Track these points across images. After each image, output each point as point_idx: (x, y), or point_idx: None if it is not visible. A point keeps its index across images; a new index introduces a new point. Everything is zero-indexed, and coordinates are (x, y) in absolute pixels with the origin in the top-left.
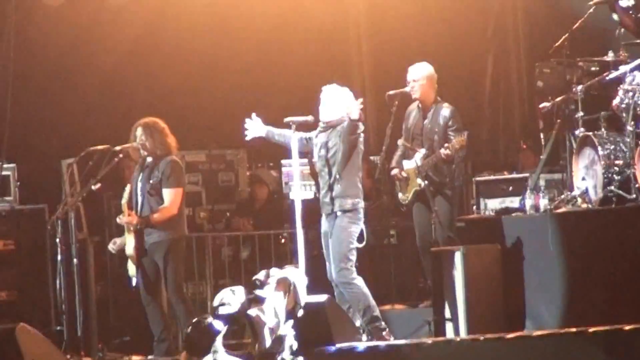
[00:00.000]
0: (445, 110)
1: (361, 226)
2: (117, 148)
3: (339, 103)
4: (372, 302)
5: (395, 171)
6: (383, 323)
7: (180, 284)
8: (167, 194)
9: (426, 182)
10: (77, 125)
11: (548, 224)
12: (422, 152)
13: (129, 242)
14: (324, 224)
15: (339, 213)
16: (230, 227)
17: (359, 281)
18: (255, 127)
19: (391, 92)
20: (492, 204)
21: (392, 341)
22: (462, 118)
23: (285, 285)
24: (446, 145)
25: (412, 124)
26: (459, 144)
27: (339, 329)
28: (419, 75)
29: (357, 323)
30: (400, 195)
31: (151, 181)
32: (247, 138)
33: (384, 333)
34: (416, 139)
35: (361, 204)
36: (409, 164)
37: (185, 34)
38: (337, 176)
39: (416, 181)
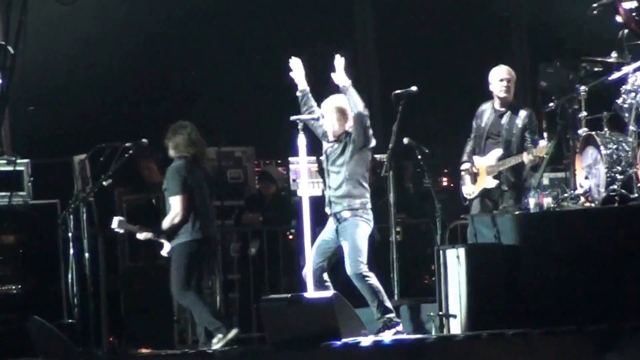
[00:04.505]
0: (523, 112)
1: (372, 225)
2: (128, 144)
3: (341, 115)
4: (385, 295)
5: (466, 165)
6: (394, 315)
7: (180, 282)
8: (170, 202)
9: (499, 181)
10: (89, 121)
11: (551, 222)
12: (497, 152)
13: (166, 246)
14: (329, 224)
15: (347, 213)
16: (240, 223)
17: (373, 275)
18: (299, 69)
19: (398, 92)
20: None
21: (397, 336)
22: (468, 117)
23: None
24: (532, 151)
25: (486, 123)
26: (544, 152)
27: (346, 324)
28: (512, 75)
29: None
30: (464, 189)
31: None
32: (291, 74)
33: (397, 327)
34: (491, 139)
35: (369, 205)
36: (481, 161)
37: (197, 31)
38: (346, 175)
39: (486, 179)
